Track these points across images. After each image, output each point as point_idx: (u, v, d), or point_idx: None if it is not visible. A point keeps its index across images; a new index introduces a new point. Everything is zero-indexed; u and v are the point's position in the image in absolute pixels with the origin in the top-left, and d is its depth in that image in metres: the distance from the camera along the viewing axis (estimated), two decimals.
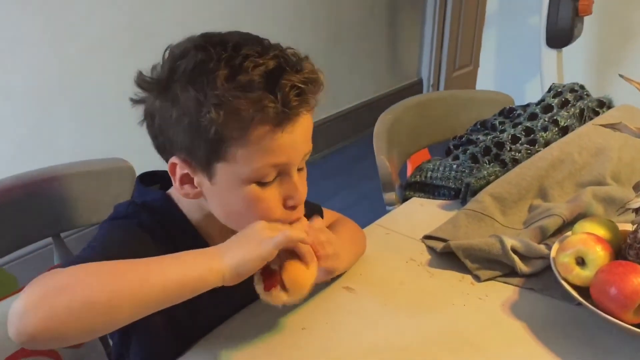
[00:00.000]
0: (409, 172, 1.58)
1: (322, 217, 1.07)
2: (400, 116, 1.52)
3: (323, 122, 3.45)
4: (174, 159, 0.81)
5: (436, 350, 0.89)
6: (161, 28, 2.38)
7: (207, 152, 0.77)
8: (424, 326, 0.94)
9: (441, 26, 4.03)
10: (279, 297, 0.75)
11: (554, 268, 0.93)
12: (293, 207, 0.82)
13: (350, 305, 0.99)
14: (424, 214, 1.26)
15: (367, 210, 1.24)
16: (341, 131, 3.55)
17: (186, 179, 0.82)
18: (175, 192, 0.89)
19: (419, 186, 1.33)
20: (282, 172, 0.80)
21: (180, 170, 0.81)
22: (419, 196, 1.32)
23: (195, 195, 0.83)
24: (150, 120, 0.81)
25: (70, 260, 0.75)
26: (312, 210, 1.08)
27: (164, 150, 0.83)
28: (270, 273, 0.77)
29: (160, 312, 0.72)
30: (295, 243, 0.77)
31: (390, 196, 1.38)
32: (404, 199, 1.35)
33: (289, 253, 0.78)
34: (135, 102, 0.82)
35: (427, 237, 1.14)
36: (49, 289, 0.63)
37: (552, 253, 0.96)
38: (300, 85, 0.75)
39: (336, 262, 0.90)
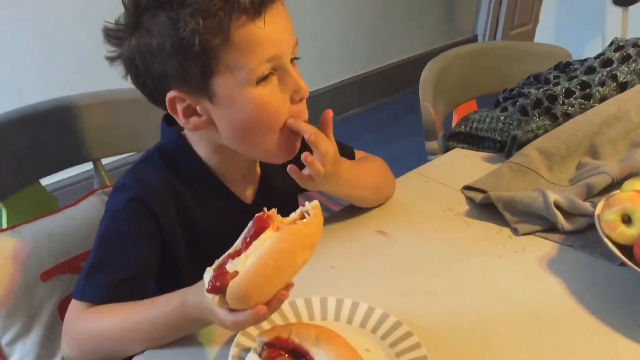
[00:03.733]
0: (454, 123, 1.53)
1: (353, 155, 1.05)
2: (450, 64, 1.47)
3: (371, 74, 3.39)
4: (170, 94, 0.78)
5: (466, 297, 0.87)
6: None
7: (199, 70, 0.75)
8: (455, 274, 0.92)
9: None
10: (215, 302, 0.65)
11: (597, 225, 0.89)
12: (301, 101, 0.81)
13: (382, 248, 0.98)
14: (466, 165, 1.22)
15: (410, 165, 1.20)
16: (389, 84, 3.47)
17: (189, 111, 0.80)
18: (190, 134, 0.87)
19: (463, 137, 1.29)
20: (277, 68, 0.78)
21: (180, 103, 0.79)
22: (462, 147, 1.28)
23: (204, 124, 0.80)
24: (134, 67, 0.78)
25: (84, 275, 0.81)
26: (344, 151, 1.06)
27: (157, 92, 0.80)
28: (223, 273, 0.64)
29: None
30: None
31: (432, 145, 1.34)
32: (447, 149, 1.31)
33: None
34: (113, 59, 0.80)
35: (467, 187, 1.11)
36: (83, 343, 0.80)
37: (597, 210, 0.92)
38: None
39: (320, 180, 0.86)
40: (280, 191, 0.97)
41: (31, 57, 2.11)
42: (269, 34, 0.75)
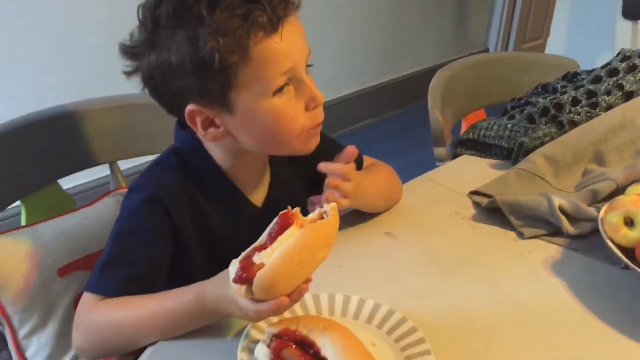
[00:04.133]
0: (463, 131, 1.55)
1: (361, 164, 1.08)
2: (458, 73, 1.49)
3: (383, 86, 3.41)
4: (190, 107, 0.80)
5: (471, 297, 0.89)
6: None
7: (218, 85, 0.77)
8: (461, 275, 0.94)
9: None
10: (241, 292, 0.67)
11: (600, 228, 0.91)
12: (316, 108, 0.84)
13: (390, 250, 1.00)
14: (473, 171, 1.24)
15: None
16: (401, 96, 3.50)
17: (208, 123, 0.83)
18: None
19: (471, 144, 1.31)
20: (293, 79, 0.81)
21: (199, 116, 0.81)
22: (470, 154, 1.30)
23: (222, 135, 0.83)
24: (152, 81, 0.81)
25: (97, 270, 0.83)
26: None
27: (177, 106, 0.82)
28: (250, 264, 0.67)
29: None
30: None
31: (440, 151, 1.36)
32: (455, 156, 1.33)
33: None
34: (130, 73, 0.82)
35: (474, 192, 1.13)
36: (95, 334, 0.81)
37: (601, 214, 0.93)
38: None
39: (351, 199, 0.91)
40: (290, 194, 1.00)
41: (48, 65, 2.16)
42: (285, 48, 0.77)
